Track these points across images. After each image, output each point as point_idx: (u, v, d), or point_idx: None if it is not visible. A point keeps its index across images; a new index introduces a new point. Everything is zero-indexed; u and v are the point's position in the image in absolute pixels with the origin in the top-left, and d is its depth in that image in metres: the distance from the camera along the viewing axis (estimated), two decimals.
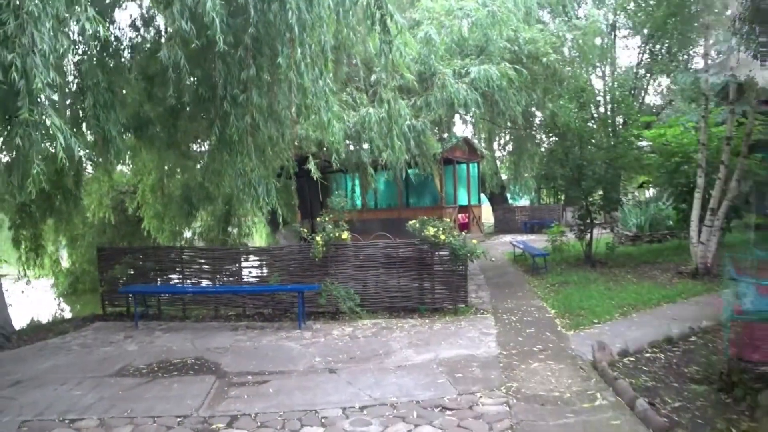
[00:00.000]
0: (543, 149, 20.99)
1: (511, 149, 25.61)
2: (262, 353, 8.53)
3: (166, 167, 13.24)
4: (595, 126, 16.05)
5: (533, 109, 16.84)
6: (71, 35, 5.58)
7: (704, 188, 12.43)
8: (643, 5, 19.37)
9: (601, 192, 15.39)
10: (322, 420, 5.77)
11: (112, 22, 8.18)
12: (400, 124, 8.29)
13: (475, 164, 24.91)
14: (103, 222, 19.08)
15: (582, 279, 13.06)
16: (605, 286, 12.09)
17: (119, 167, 17.26)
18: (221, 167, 7.66)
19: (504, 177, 32.67)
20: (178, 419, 5.96)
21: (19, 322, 13.74)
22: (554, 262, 15.75)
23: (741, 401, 5.29)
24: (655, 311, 9.70)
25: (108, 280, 12.22)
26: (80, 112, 7.22)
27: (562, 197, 32.57)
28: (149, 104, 8.72)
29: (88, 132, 7.42)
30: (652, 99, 26.47)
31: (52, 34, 4.76)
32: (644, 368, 6.59)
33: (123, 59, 8.24)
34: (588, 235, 15.39)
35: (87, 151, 6.84)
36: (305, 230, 12.14)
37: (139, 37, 8.19)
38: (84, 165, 12.34)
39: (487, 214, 31.03)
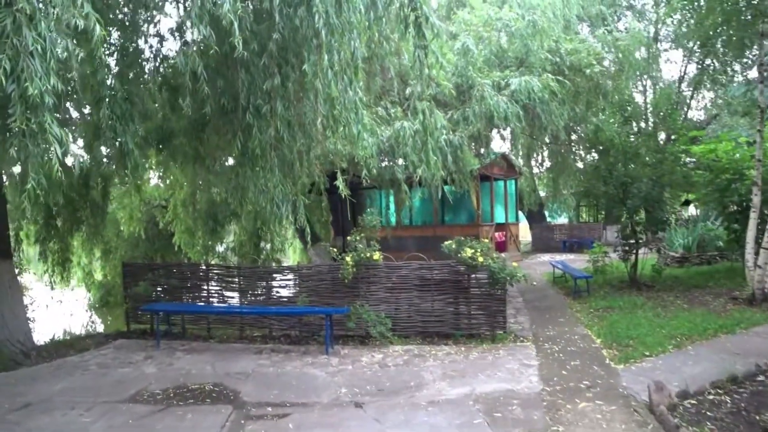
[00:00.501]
0: (583, 165, 20.25)
1: (549, 165, 24.74)
2: (285, 381, 7.98)
3: (199, 182, 12.94)
4: (639, 141, 15.27)
5: (573, 124, 16.08)
6: (76, 40, 5.13)
7: (760, 207, 11.55)
8: (691, 14, 18.48)
9: (646, 210, 14.57)
10: None
11: (140, 34, 7.85)
12: (435, 137, 7.67)
13: (513, 181, 24.19)
14: (135, 235, 19.04)
15: (628, 304, 12.27)
16: (654, 312, 11.28)
17: (153, 181, 17.29)
18: (244, 183, 7.20)
19: (542, 194, 31.78)
20: None
21: (47, 334, 13.62)
22: (596, 284, 14.93)
23: None
24: (713, 343, 8.87)
25: (132, 296, 11.91)
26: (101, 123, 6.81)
27: (602, 216, 31.64)
28: (173, 116, 8.33)
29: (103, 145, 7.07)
30: (694, 114, 25.47)
31: (54, 35, 4.34)
32: (709, 414, 5.83)
33: (146, 69, 7.86)
34: (633, 256, 14.59)
35: (92, 163, 6.33)
36: (334, 249, 11.62)
37: (162, 46, 7.80)
38: (111, 178, 12.14)
39: (524, 233, 30.16)
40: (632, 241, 14.47)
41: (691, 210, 26.63)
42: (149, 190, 18.01)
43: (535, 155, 26.32)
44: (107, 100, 6.31)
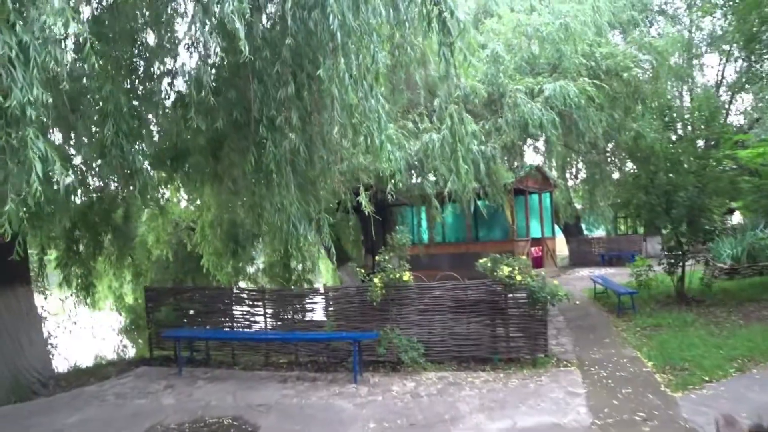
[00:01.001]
0: (621, 175, 19.40)
1: (585, 176, 23.84)
2: (309, 414, 7.40)
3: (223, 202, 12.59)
4: (680, 148, 14.44)
5: (612, 131, 15.27)
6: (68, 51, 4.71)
7: None
8: (731, 12, 17.58)
9: (689, 221, 13.74)
10: None
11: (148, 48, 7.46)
12: (466, 144, 7.01)
13: (548, 194, 23.40)
14: (164, 258, 18.86)
15: (677, 321, 11.44)
16: (707, 330, 10.46)
17: (183, 203, 17.10)
18: (260, 201, 6.71)
19: (578, 206, 30.78)
20: None
21: (78, 359, 13.38)
22: (641, 300, 14.05)
23: None
24: None
25: (155, 321, 11.52)
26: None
27: (641, 227, 30.47)
28: (188, 133, 7.91)
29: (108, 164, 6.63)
30: (733, 119, 24.37)
31: (37, 43, 3.91)
32: None
33: (157, 84, 7.45)
34: (679, 269, 13.73)
35: (74, 182, 5.84)
36: (362, 270, 11.06)
37: (174, 60, 7.36)
38: (135, 201, 11.81)
39: (560, 247, 29.20)
40: (678, 253, 13.62)
41: (736, 218, 25.43)
42: (177, 211, 17.85)
43: (570, 166, 25.49)
44: (113, 115, 5.88)
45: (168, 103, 7.54)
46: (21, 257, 5.06)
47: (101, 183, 8.84)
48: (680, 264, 13.68)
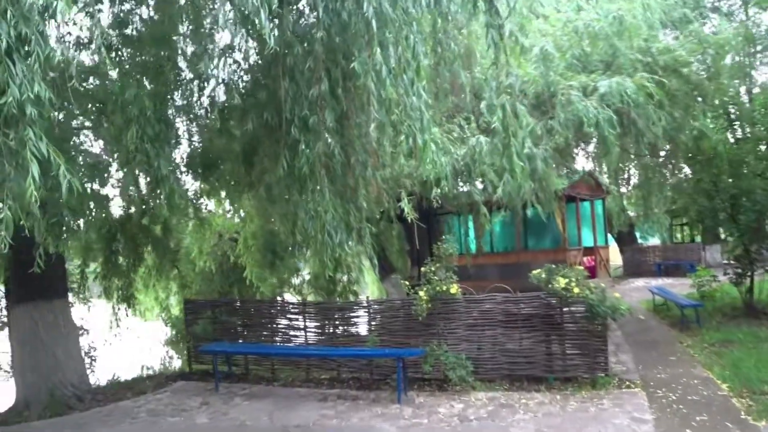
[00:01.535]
0: (677, 179, 18.37)
1: (641, 181, 22.71)
2: None
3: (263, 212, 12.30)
4: (745, 149, 13.45)
5: (672, 131, 14.32)
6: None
7: None
8: None
9: (758, 227, 12.75)
10: None
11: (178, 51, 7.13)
12: (520, 138, 6.34)
13: (601, 201, 22.39)
14: (206, 270, 18.75)
15: (749, 337, 10.52)
16: None
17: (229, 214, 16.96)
18: (293, 209, 6.24)
19: (631, 214, 29.52)
20: None
21: (123, 371, 13.24)
22: (705, 312, 13.05)
23: None
24: None
25: (193, 335, 11.24)
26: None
27: (698, 235, 28.99)
28: (221, 139, 7.53)
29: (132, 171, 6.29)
30: None
31: (38, 35, 3.52)
32: None
33: (184, 87, 7.10)
34: (748, 280, 12.80)
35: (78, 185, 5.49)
36: (406, 283, 10.52)
37: (204, 62, 6.99)
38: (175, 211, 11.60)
39: (614, 256, 28.00)
40: (746, 262, 12.66)
41: None
42: (220, 222, 17.73)
43: (623, 171, 24.40)
44: (137, 119, 5.52)
45: (197, 106, 7.18)
46: (42, 269, 4.67)
47: (132, 192, 8.58)
48: (748, 274, 12.78)
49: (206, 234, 16.65)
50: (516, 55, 6.95)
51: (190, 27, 6.64)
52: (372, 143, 6.07)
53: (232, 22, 4.98)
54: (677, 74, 12.16)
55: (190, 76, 7.01)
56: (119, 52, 5.90)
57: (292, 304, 11.67)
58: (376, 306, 10.33)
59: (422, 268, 9.78)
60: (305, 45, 5.52)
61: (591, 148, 18.26)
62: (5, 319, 10.77)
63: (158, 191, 6.02)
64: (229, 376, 10.48)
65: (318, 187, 5.50)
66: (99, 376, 13.36)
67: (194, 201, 10.98)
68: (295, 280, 19.33)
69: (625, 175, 26.10)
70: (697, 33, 13.59)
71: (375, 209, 10.38)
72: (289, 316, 10.84)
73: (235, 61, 6.01)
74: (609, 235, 26.67)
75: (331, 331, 10.62)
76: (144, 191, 7.65)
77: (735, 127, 14.58)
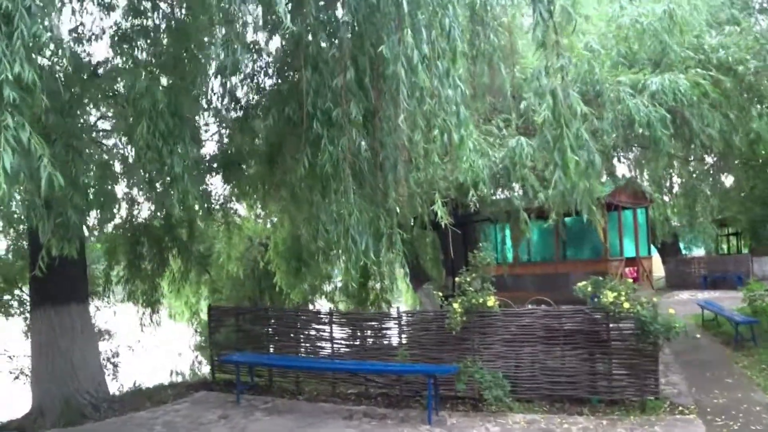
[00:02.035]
0: (720, 187, 17.44)
1: (688, 188, 21.64)
2: None
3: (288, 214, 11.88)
4: None
5: (727, 132, 13.43)
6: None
7: None
8: None
9: None
10: None
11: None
12: (575, 129, 5.64)
13: (644, 209, 21.39)
14: (235, 275, 18.46)
15: None
16: None
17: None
18: (316, 211, 5.72)
19: (675, 223, 28.31)
20: None
21: (153, 376, 12.97)
22: (761, 329, 12.10)
23: None
24: None
25: (216, 343, 10.84)
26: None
27: (746, 246, 27.64)
28: (242, 138, 7.05)
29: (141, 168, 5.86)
30: None
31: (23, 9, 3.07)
32: None
33: (201, 80, 6.63)
34: None
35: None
36: (440, 294, 9.93)
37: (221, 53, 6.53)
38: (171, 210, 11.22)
39: (656, 267, 26.87)
40: None
41: None
42: (251, 227, 17.44)
43: (667, 177, 23.33)
44: (147, 113, 5.06)
45: (216, 99, 6.71)
46: (43, 272, 4.26)
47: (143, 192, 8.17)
48: None
49: (235, 239, 16.34)
50: (567, 33, 6.28)
51: (209, 16, 6.19)
52: (402, 139, 5.49)
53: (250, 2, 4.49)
54: (732, 72, 11.32)
55: (208, 68, 6.56)
56: (133, 44, 5.43)
57: (319, 313, 11.24)
58: (407, 318, 9.78)
59: (457, 278, 9.19)
60: (329, 30, 5.00)
61: (634, 152, 17.42)
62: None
63: (171, 192, 5.59)
64: (252, 388, 10.07)
65: (342, 188, 4.96)
66: (124, 381, 13.13)
67: (217, 203, 10.57)
68: (327, 288, 18.93)
69: (668, 183, 25.01)
70: (750, 29, 12.73)
71: (408, 214, 9.82)
72: (315, 325, 10.37)
73: (256, 49, 5.50)
74: (651, 246, 25.59)
75: (359, 343, 10.09)
76: (159, 191, 7.20)
77: None
